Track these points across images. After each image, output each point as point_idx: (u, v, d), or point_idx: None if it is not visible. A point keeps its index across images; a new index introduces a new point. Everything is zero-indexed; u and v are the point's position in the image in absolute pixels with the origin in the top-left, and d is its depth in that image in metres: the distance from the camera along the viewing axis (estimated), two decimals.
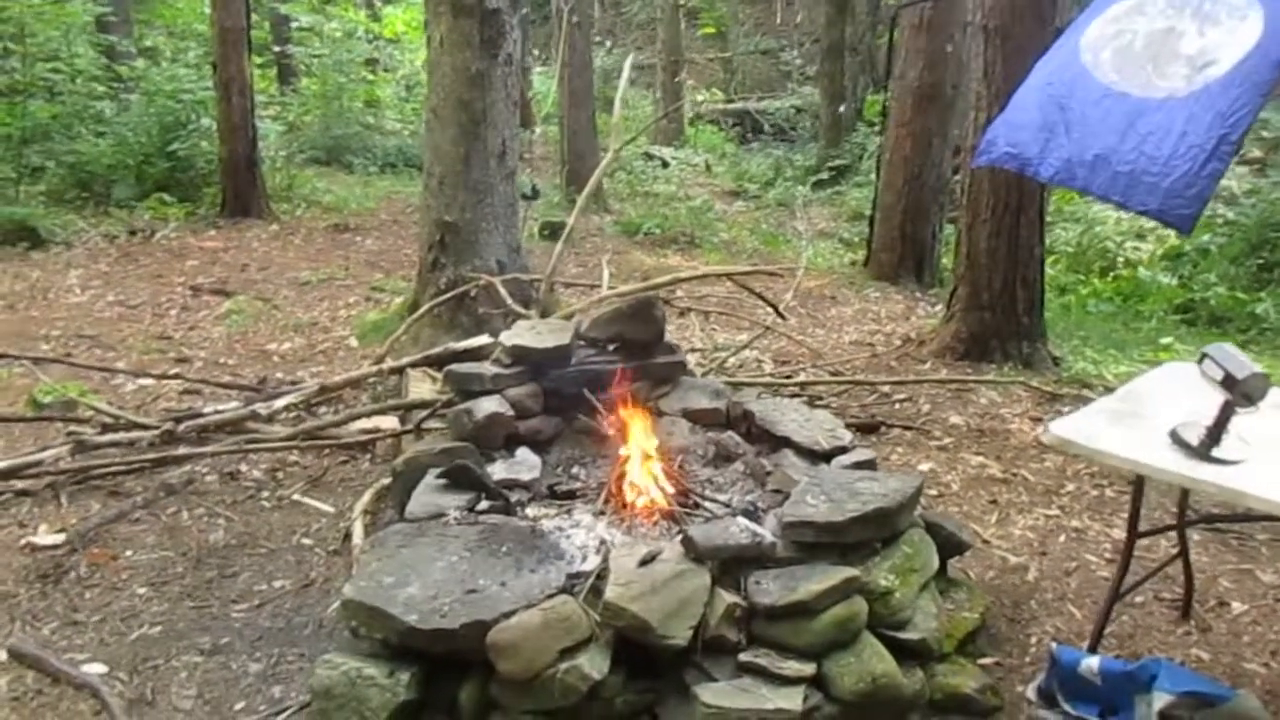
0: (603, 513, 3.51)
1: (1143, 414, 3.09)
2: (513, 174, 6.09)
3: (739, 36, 23.34)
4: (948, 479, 4.65)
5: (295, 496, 4.30)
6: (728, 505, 3.58)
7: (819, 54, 15.97)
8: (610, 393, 3.99)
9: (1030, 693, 3.09)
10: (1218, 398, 2.82)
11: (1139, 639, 3.50)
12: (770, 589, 2.86)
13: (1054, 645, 3.01)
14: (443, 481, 3.60)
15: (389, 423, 4.82)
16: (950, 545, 3.49)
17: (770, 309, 5.35)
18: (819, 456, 3.67)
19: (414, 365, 5.26)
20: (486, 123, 5.80)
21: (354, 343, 6.25)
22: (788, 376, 5.76)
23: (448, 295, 5.76)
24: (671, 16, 18.74)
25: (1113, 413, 3.11)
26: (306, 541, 3.96)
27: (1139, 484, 3.13)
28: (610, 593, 2.80)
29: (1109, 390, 5.85)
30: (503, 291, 5.37)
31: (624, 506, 3.53)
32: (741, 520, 3.05)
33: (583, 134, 11.69)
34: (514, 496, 3.58)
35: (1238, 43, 4.31)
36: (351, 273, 8.12)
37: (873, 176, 13.95)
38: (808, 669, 2.76)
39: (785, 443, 3.76)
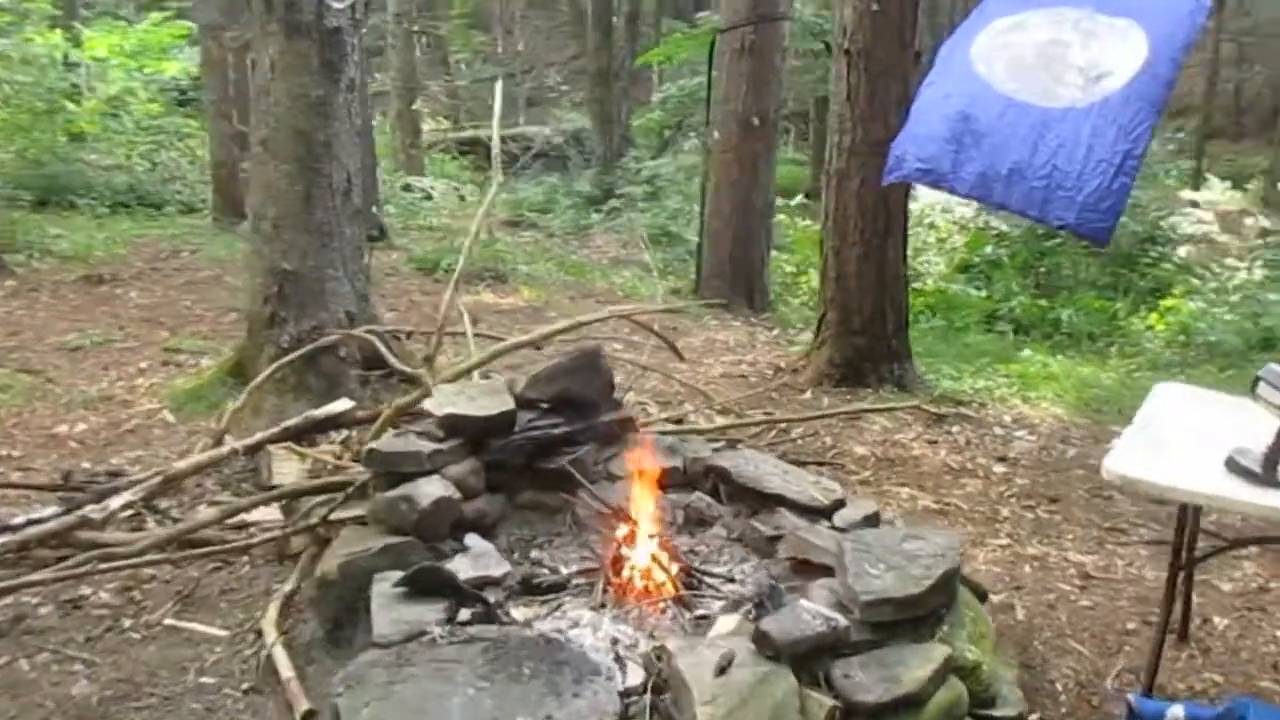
0: (603, 605, 3.01)
1: (1176, 443, 2.95)
2: (358, 213, 5.39)
3: (464, 65, 22.94)
4: (887, 516, 4.44)
5: (168, 621, 3.47)
6: (729, 579, 3.19)
7: (586, 80, 15.82)
8: (565, 463, 3.50)
9: None
10: (1273, 422, 2.71)
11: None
12: (865, 682, 2.48)
13: (1131, 698, 2.82)
14: (401, 589, 2.97)
15: (264, 515, 4.04)
16: (978, 596, 3.25)
17: (668, 348, 4.98)
18: (818, 514, 3.34)
19: (272, 441, 4.48)
20: (329, 156, 5.09)
21: (169, 417, 5.29)
22: (679, 420, 5.40)
23: (293, 355, 4.98)
24: (405, 42, 18.00)
25: (1148, 444, 2.95)
26: (207, 680, 3.15)
27: (1184, 515, 2.99)
28: (701, 715, 2.32)
29: (983, 406, 5.93)
30: (385, 350, 4.69)
31: (623, 594, 3.06)
32: (808, 604, 2.65)
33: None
34: (490, 598, 3.01)
35: (1127, 56, 4.35)
36: (130, 332, 6.99)
37: (653, 202, 14.18)
38: None
39: (778, 500, 3.39)
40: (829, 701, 2.43)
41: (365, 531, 3.39)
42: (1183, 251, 10.39)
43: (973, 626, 2.81)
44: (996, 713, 2.64)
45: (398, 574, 3.06)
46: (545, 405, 3.63)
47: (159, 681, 3.14)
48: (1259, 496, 2.63)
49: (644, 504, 3.26)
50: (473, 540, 3.33)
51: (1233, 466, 2.72)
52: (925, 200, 10.95)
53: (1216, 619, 3.70)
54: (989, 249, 10.19)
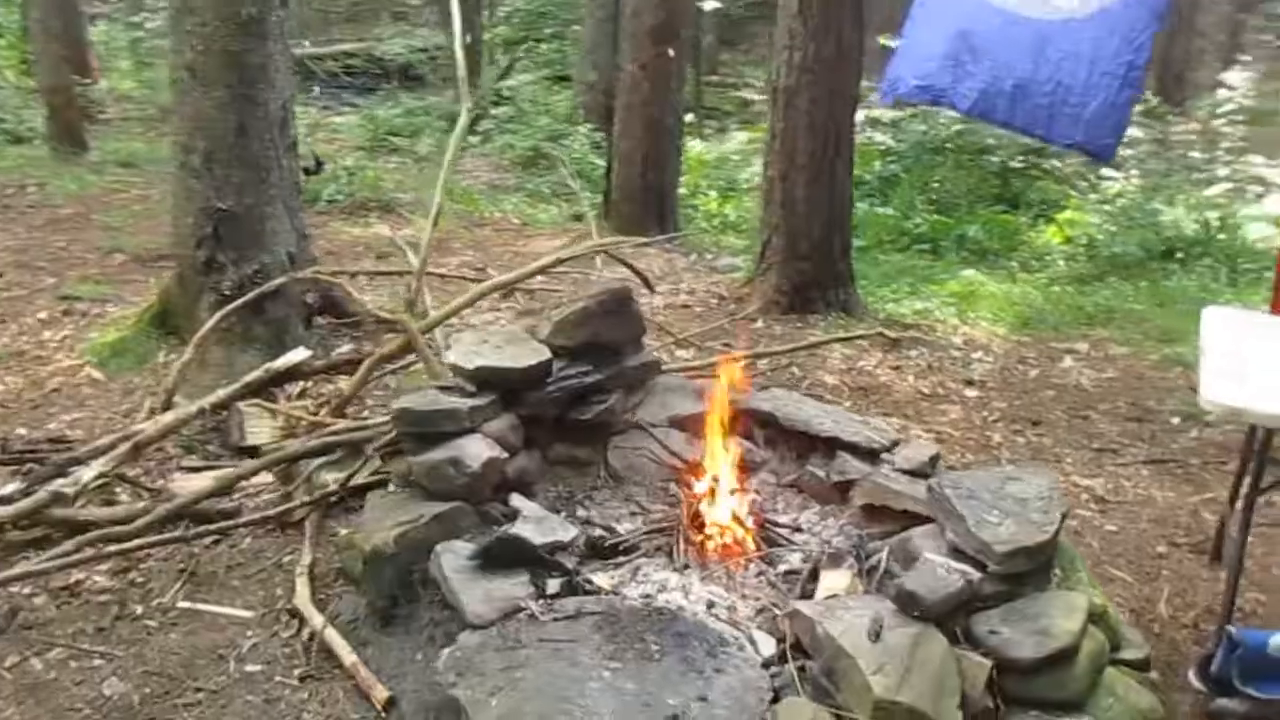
0: (687, 566, 2.87)
1: (1259, 371, 2.98)
2: (295, 145, 4.92)
3: None
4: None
5: (182, 603, 3.14)
6: (796, 529, 3.10)
7: None
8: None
9: (1194, 680, 2.95)
10: None
11: (1191, 593, 3.49)
12: (1015, 637, 2.42)
13: (1231, 629, 2.87)
14: (476, 562, 2.75)
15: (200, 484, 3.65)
16: None
17: (641, 281, 4.78)
18: (875, 456, 3.26)
19: (237, 397, 4.09)
20: (264, 81, 4.59)
21: (96, 374, 4.76)
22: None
23: (238, 302, 4.52)
24: None
25: (1233, 373, 2.97)
26: (252, 669, 2.88)
27: (1260, 445, 3.03)
28: (876, 686, 2.23)
29: (931, 328, 6.00)
30: (358, 296, 4.31)
31: (701, 553, 2.92)
32: (937, 558, 2.57)
33: None
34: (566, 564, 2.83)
35: None
36: (10, 280, 6.26)
37: (520, 124, 13.64)
38: None
39: (832, 444, 3.30)
40: (986, 661, 2.37)
41: (400, 498, 3.14)
42: (1056, 163, 10.74)
43: (1084, 572, 2.80)
44: (1127, 655, 2.64)
45: (462, 544, 2.85)
46: (572, 352, 3.40)
47: (198, 673, 2.86)
48: None
49: (718, 455, 3.11)
50: (520, 502, 3.12)
51: None
52: None
53: (1234, 533, 3.81)
54: (877, 165, 10.29)
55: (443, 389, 3.26)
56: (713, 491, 3.01)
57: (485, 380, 3.19)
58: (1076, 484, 4.17)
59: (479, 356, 3.22)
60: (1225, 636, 2.86)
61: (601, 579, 2.80)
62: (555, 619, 2.54)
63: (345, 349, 4.88)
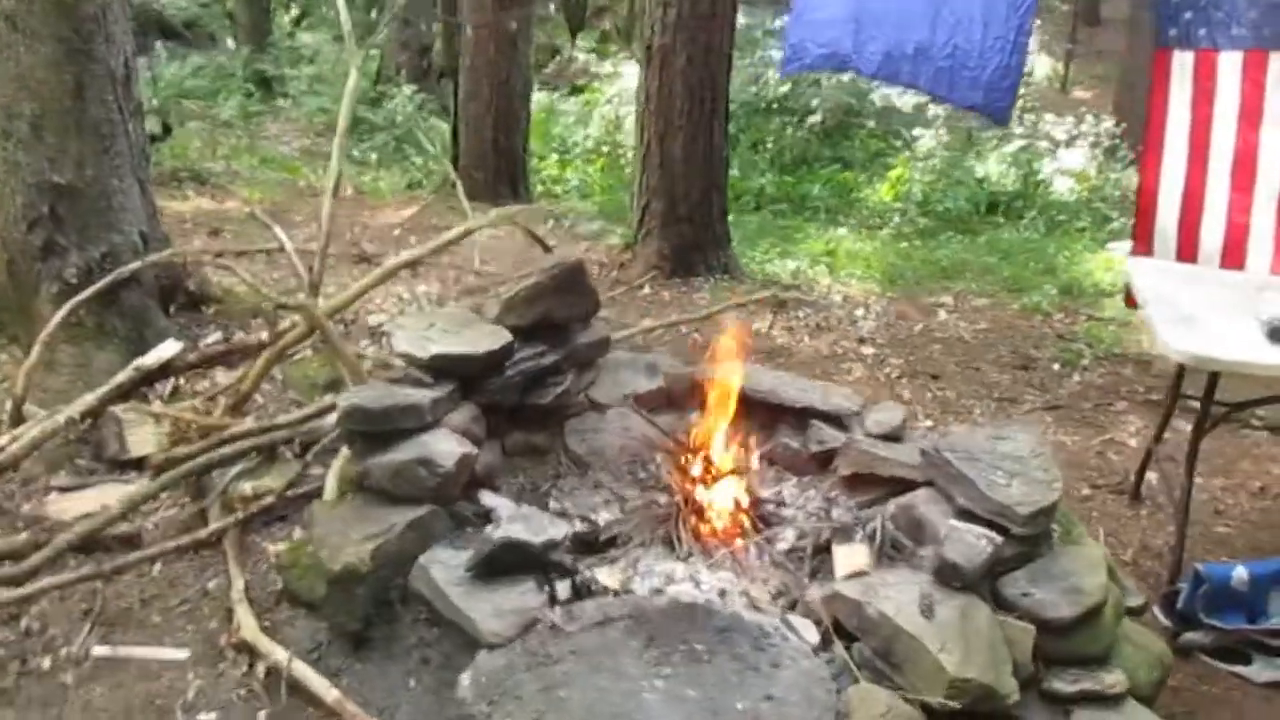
0: (690, 554, 2.70)
1: (1203, 318, 3.08)
2: (140, 108, 4.34)
3: None
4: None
5: (98, 650, 2.69)
6: (780, 503, 2.98)
7: None
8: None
9: (1160, 616, 3.04)
10: None
11: (1123, 532, 3.62)
12: (1049, 597, 2.39)
13: (1199, 566, 2.97)
14: (473, 572, 2.49)
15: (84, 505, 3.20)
16: None
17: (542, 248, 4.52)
18: (844, 422, 3.18)
19: (109, 401, 3.58)
20: (101, 33, 3.99)
21: None
22: None
23: (88, 292, 3.95)
24: None
25: (1183, 320, 3.07)
26: (205, 719, 2.50)
27: (1211, 385, 3.13)
28: (948, 664, 2.14)
29: (810, 288, 6.02)
30: (246, 277, 3.83)
31: (697, 538, 2.76)
32: (965, 526, 2.49)
33: None
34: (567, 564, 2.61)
35: None
36: None
37: (325, 85, 12.85)
38: (1121, 676, 2.37)
39: (807, 413, 3.18)
40: (1030, 627, 2.32)
41: (354, 506, 2.80)
42: (871, 123, 11.08)
43: (1071, 524, 2.81)
44: (1130, 604, 2.66)
45: (448, 553, 2.58)
46: (524, 332, 3.14)
47: None
48: None
49: (712, 434, 2.94)
50: (491, 499, 2.86)
51: (1276, 336, 2.89)
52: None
53: (1150, 475, 3.95)
54: None
55: (392, 381, 2.94)
56: (709, 472, 2.84)
57: (442, 369, 2.89)
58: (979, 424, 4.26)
59: (432, 343, 2.91)
60: (1193, 573, 2.97)
61: (606, 577, 2.58)
62: (582, 628, 2.32)
63: (213, 339, 4.38)
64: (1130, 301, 5.04)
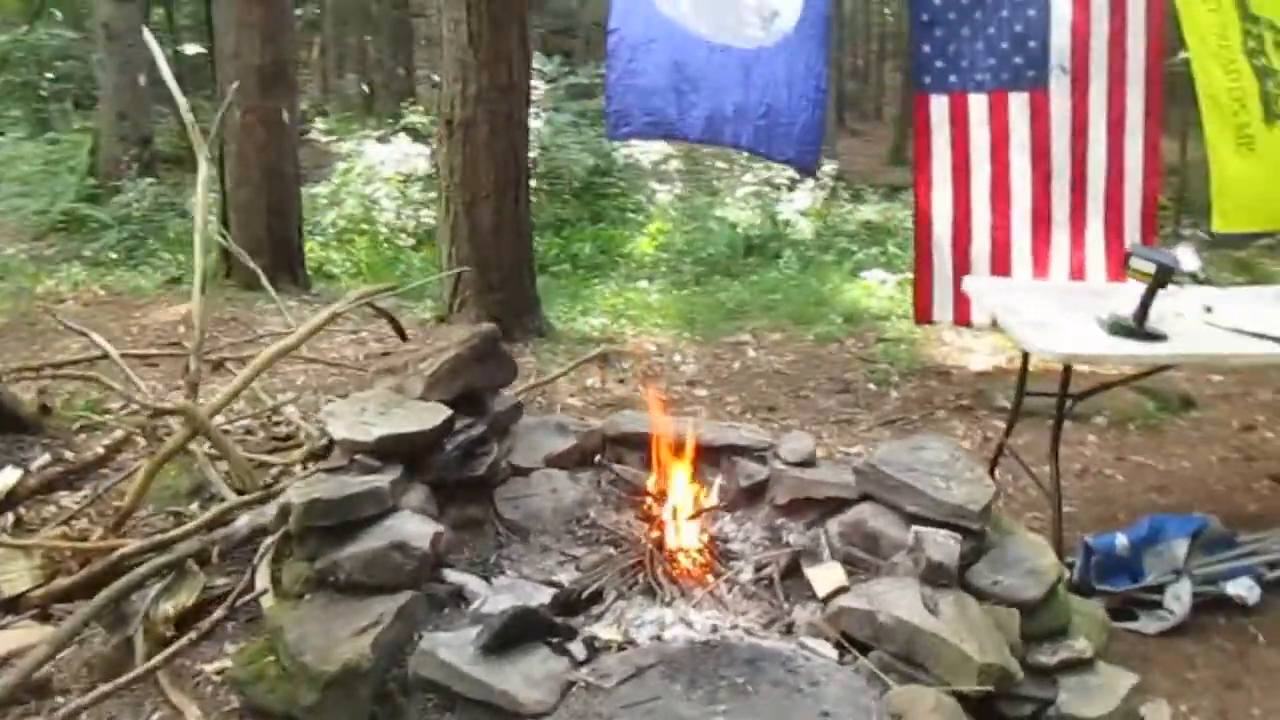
0: (671, 599, 2.80)
1: (1052, 323, 3.51)
2: None
3: None
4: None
5: None
6: (723, 540, 3.14)
7: None
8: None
9: None
10: (1140, 287, 3.38)
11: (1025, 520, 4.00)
12: (1016, 582, 2.68)
13: (1088, 539, 3.36)
14: (486, 648, 2.47)
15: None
16: None
17: (396, 332, 4.45)
18: (763, 456, 3.37)
19: None
20: None
21: None
22: None
23: None
24: None
25: (1036, 325, 3.48)
26: None
27: (1066, 379, 3.54)
28: (974, 653, 2.37)
29: (624, 341, 6.23)
30: (122, 386, 3.49)
31: (671, 581, 2.87)
32: (926, 530, 2.72)
33: None
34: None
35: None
36: None
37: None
38: (1087, 643, 2.66)
39: (729, 450, 3.35)
40: (1014, 610, 2.59)
41: (320, 603, 2.67)
42: (623, 182, 11.53)
43: (997, 515, 3.11)
44: None
45: (447, 635, 2.53)
46: (452, 406, 3.12)
47: None
48: (1163, 350, 3.33)
49: (673, 482, 3.03)
50: (457, 576, 2.83)
51: (1116, 329, 3.35)
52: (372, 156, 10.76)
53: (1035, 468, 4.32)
54: None
55: (332, 470, 2.83)
56: (675, 516, 2.93)
57: (389, 451, 2.83)
58: (846, 453, 4.59)
59: (374, 426, 2.84)
60: (1084, 546, 3.37)
61: (605, 632, 2.62)
62: (618, 682, 2.34)
63: (42, 461, 3.97)
64: (921, 319, 5.63)
